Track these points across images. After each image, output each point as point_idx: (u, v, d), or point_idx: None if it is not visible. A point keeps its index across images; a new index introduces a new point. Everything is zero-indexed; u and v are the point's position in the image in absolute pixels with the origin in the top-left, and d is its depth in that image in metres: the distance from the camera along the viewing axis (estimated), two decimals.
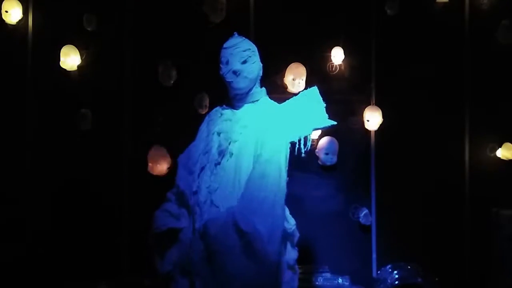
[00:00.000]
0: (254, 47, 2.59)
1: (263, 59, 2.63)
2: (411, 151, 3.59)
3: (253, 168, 2.38)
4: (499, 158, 3.54)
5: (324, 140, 3.55)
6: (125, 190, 3.60)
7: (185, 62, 3.54)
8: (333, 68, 3.57)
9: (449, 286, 3.42)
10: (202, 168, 2.51)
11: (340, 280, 3.40)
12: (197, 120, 2.78)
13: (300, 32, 3.58)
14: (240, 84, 2.53)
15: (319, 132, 3.44)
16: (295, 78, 3.47)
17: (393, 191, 3.59)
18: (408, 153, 3.59)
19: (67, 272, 3.49)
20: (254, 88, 2.59)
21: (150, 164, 3.45)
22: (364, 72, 3.62)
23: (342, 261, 3.54)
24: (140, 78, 3.62)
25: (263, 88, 2.65)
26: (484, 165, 3.57)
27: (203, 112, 3.40)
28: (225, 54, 2.54)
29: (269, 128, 2.46)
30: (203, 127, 2.70)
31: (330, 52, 3.53)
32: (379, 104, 3.54)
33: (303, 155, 2.46)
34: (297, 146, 2.46)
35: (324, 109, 2.50)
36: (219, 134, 2.56)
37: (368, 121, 3.50)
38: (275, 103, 2.62)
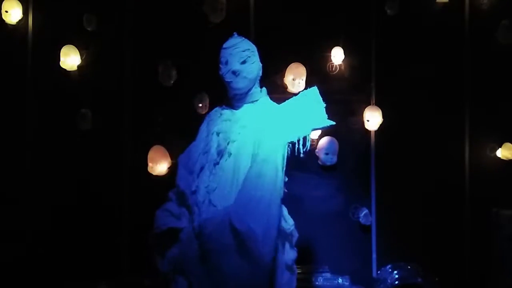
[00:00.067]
0: (253, 47, 2.59)
1: (263, 59, 2.63)
2: (411, 151, 3.59)
3: (250, 167, 2.38)
4: (499, 158, 3.54)
5: (324, 140, 3.54)
6: (125, 190, 3.60)
7: (185, 62, 3.54)
8: (333, 68, 3.57)
9: (449, 286, 3.42)
10: (202, 168, 2.52)
11: (340, 280, 3.40)
12: (197, 120, 2.78)
13: (300, 32, 3.58)
14: (239, 84, 2.53)
15: (319, 132, 3.44)
16: (295, 78, 3.47)
17: (393, 191, 3.59)
18: (408, 153, 3.59)
19: (67, 272, 3.49)
20: (253, 88, 2.59)
21: (150, 164, 3.44)
22: (364, 72, 3.62)
23: (342, 261, 3.54)
24: (140, 78, 3.62)
25: (264, 88, 2.65)
26: (484, 165, 3.56)
27: (203, 112, 3.40)
28: (224, 54, 2.54)
29: (266, 128, 2.46)
30: (203, 127, 2.69)
31: (330, 52, 3.53)
32: (379, 104, 3.54)
33: (302, 155, 2.45)
34: (296, 146, 2.45)
35: (324, 109, 2.49)
36: (218, 134, 2.55)
37: (368, 121, 3.50)
38: (275, 103, 2.62)
